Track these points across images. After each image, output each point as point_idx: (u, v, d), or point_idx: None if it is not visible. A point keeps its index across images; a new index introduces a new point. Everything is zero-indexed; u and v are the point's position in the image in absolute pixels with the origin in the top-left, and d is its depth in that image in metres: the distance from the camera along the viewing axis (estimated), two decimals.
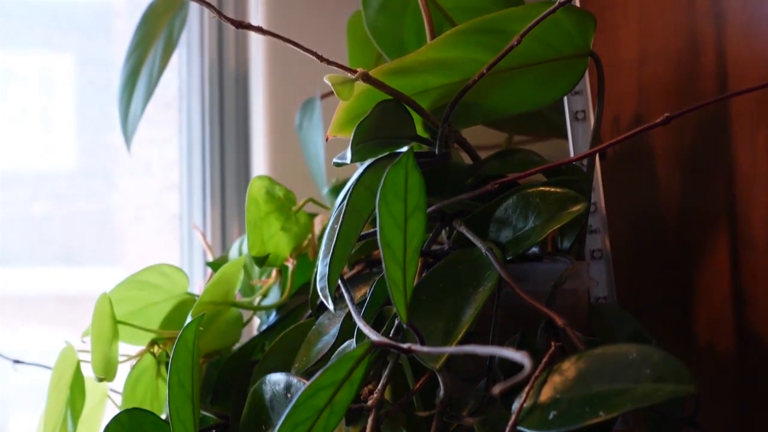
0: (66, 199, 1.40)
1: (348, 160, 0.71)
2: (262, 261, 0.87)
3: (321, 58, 0.70)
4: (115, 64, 1.37)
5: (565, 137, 0.81)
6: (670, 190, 0.88)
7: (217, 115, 1.34)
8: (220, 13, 0.67)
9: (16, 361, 0.96)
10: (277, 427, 0.57)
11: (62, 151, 1.44)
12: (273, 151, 1.23)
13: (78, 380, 0.86)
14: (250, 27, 0.69)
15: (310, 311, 0.79)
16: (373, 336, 0.61)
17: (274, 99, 1.24)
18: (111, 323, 0.84)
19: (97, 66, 1.44)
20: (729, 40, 0.80)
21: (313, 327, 0.76)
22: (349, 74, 0.71)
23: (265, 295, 0.89)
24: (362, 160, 0.73)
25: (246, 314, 0.89)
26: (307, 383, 0.58)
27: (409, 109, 0.74)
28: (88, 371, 0.85)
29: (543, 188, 0.70)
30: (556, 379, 0.56)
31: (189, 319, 0.78)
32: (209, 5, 0.68)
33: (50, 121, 1.46)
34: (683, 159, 0.87)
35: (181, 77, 1.38)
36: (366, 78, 0.71)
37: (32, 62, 1.44)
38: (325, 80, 0.70)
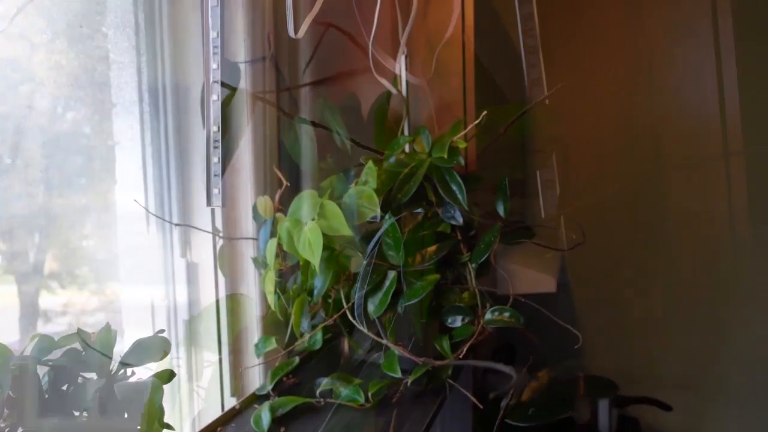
0: None
1: (377, 220, 0.75)
2: None
3: (356, 143, 0.74)
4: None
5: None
6: (618, 236, 0.91)
7: None
8: (283, 111, 0.72)
9: None
10: None
11: None
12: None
13: None
14: (304, 122, 0.73)
15: None
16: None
17: None
18: None
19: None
20: (663, 127, 0.83)
21: None
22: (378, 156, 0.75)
23: None
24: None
25: None
26: None
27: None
28: None
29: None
30: (533, 385, 0.59)
31: None
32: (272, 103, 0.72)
33: None
34: (627, 211, 0.90)
35: None
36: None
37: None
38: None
